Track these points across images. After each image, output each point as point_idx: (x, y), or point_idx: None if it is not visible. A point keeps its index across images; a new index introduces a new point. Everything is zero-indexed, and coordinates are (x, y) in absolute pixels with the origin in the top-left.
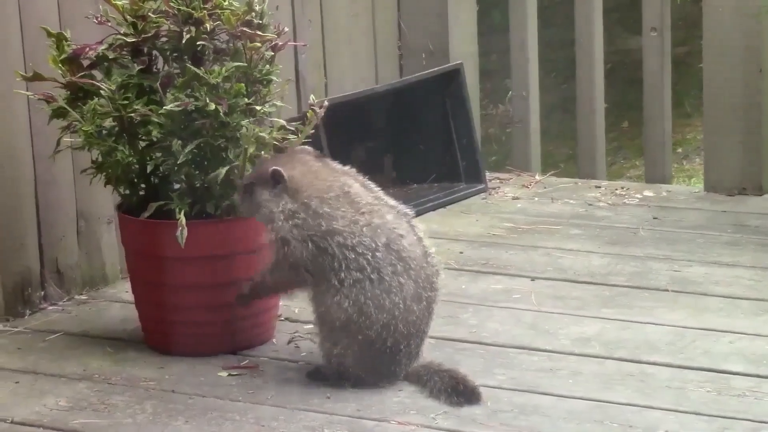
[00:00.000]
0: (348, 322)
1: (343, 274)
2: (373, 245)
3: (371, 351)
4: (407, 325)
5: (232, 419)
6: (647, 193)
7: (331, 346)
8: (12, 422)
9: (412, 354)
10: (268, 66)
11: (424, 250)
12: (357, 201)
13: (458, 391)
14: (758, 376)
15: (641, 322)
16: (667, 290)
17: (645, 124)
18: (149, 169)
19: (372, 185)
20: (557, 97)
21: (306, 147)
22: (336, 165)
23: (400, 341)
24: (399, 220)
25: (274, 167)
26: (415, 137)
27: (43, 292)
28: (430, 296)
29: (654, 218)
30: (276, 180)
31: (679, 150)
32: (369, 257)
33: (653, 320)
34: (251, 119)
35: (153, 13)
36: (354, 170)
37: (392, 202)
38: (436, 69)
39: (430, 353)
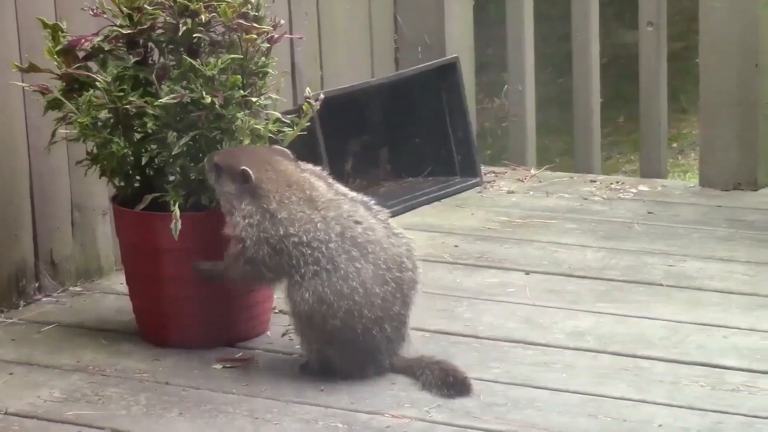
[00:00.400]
0: (312, 313)
1: (303, 270)
2: (326, 237)
3: (343, 339)
4: (373, 308)
5: (225, 412)
6: (642, 187)
7: (308, 341)
8: (6, 413)
9: (393, 338)
10: (263, 58)
11: (386, 233)
12: (315, 199)
13: (449, 384)
14: (752, 370)
15: (636, 317)
16: (662, 285)
17: (641, 119)
18: (144, 161)
19: (337, 185)
20: (553, 92)
21: (284, 150)
22: (308, 168)
23: (370, 326)
24: (355, 207)
25: (244, 167)
26: (411, 131)
27: (37, 284)
28: (398, 276)
29: (649, 213)
30: (243, 179)
31: (675, 145)
32: (323, 249)
33: (648, 314)
34: (247, 111)
35: (149, 5)
36: (324, 172)
37: (353, 194)
38: (432, 62)
39: (425, 346)
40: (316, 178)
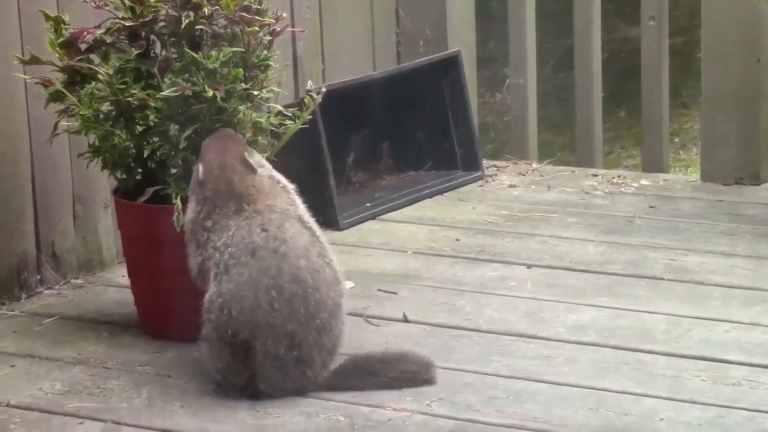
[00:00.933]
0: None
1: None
2: (230, 242)
3: (219, 341)
4: (242, 311)
5: (226, 405)
6: (644, 182)
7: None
8: (8, 405)
9: (280, 357)
10: (265, 51)
11: (304, 251)
12: (245, 209)
13: (412, 369)
14: (754, 365)
15: (637, 311)
16: (663, 279)
17: (642, 113)
18: (146, 153)
19: (284, 196)
20: (554, 87)
21: (260, 161)
22: (265, 174)
23: (241, 330)
24: (282, 221)
25: (200, 164)
26: (413, 124)
27: (39, 276)
28: (296, 293)
29: (651, 207)
30: (197, 169)
31: (676, 140)
32: (226, 253)
33: (649, 309)
34: (249, 105)
35: None
36: (289, 187)
37: (292, 207)
38: (433, 56)
39: (425, 340)
40: (273, 192)
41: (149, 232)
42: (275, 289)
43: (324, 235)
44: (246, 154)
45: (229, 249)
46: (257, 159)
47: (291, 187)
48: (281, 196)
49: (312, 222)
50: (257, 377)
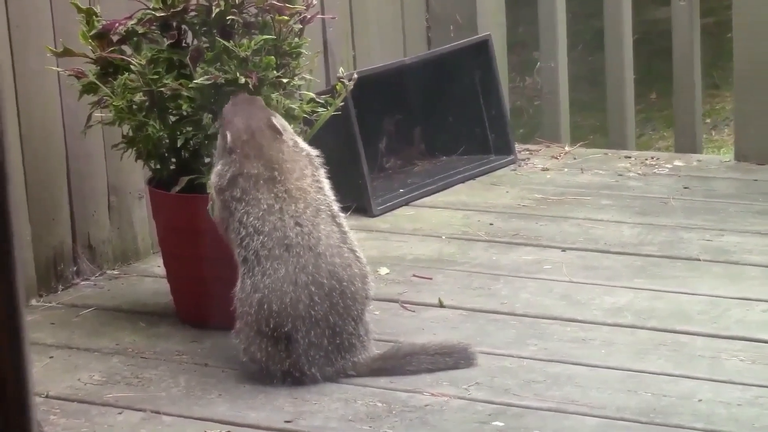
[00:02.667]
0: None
1: (238, 249)
2: (261, 228)
3: (258, 334)
4: (283, 307)
5: (265, 392)
6: (677, 162)
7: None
8: (47, 396)
9: (324, 347)
10: (296, 39)
11: (335, 247)
12: (275, 185)
13: (449, 352)
14: None
15: (674, 292)
16: (699, 259)
17: (674, 94)
18: (180, 143)
19: (318, 184)
20: (584, 69)
21: (276, 123)
22: (301, 148)
23: (282, 324)
24: (315, 216)
25: (227, 131)
26: (444, 109)
27: (75, 267)
28: (334, 285)
29: (685, 188)
30: (224, 136)
31: (707, 121)
32: (254, 238)
33: (686, 290)
34: (281, 92)
35: None
36: (318, 161)
37: (325, 199)
38: (464, 41)
39: (462, 325)
40: (299, 164)
41: (186, 221)
42: (314, 284)
43: (348, 227)
44: (272, 117)
45: (261, 237)
46: (281, 121)
47: (314, 153)
48: (306, 169)
49: (340, 213)
50: (300, 364)
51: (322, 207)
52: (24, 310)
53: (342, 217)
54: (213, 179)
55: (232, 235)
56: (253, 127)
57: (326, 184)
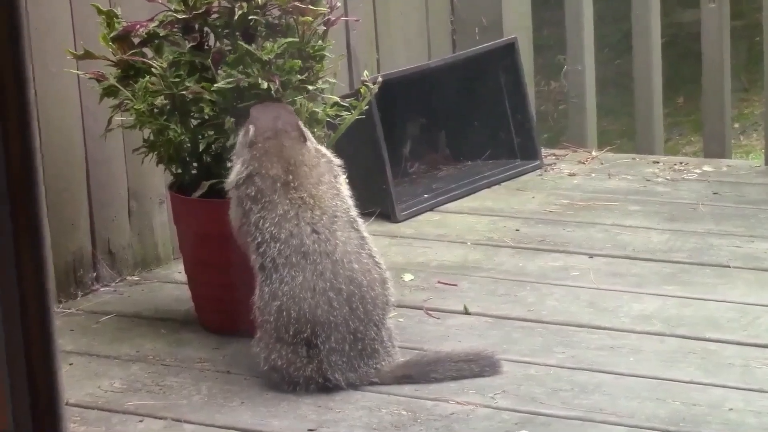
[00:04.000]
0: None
1: (254, 254)
2: (277, 236)
3: (279, 341)
4: (302, 313)
5: (288, 399)
6: (706, 168)
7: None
8: (67, 404)
9: (345, 352)
10: (320, 42)
11: (352, 254)
12: (290, 189)
13: (474, 359)
14: None
15: (703, 299)
16: (729, 266)
17: (703, 98)
18: (201, 147)
19: (336, 187)
20: (611, 73)
21: (303, 129)
22: (322, 154)
23: (302, 330)
24: (332, 222)
25: (251, 126)
26: (469, 114)
27: (95, 273)
28: (353, 291)
29: (714, 193)
30: (246, 131)
31: (736, 125)
32: (271, 245)
33: (715, 297)
34: (304, 95)
35: None
36: (334, 161)
37: (343, 204)
38: (489, 44)
39: (487, 332)
40: (318, 170)
41: (208, 226)
42: (332, 290)
43: (367, 233)
44: (300, 122)
45: (278, 245)
46: (306, 130)
47: (336, 161)
48: (324, 176)
49: (358, 218)
50: (323, 370)
51: (339, 213)
52: (55, 320)
53: (360, 223)
54: (230, 177)
55: (248, 238)
56: (278, 127)
57: (345, 190)
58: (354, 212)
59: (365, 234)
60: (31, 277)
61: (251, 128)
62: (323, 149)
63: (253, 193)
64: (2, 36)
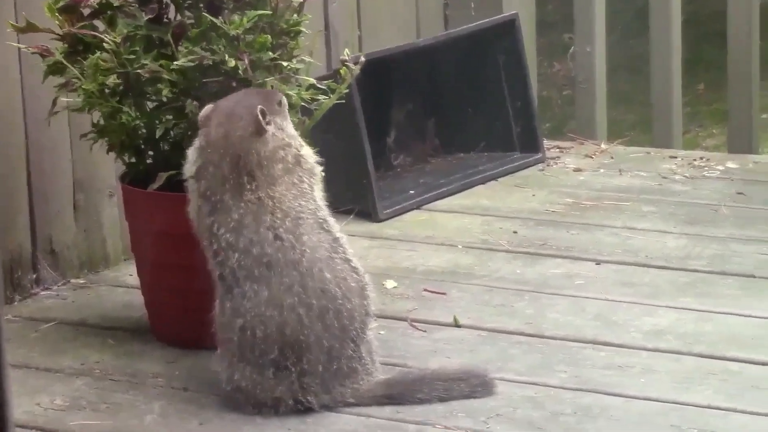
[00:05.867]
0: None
1: (212, 261)
2: (234, 244)
3: (242, 361)
4: (269, 333)
5: (252, 422)
6: (730, 164)
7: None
8: None
9: (319, 374)
10: (295, 16)
11: (325, 261)
12: (245, 194)
13: (466, 378)
14: None
15: (724, 313)
16: (754, 276)
17: (729, 86)
18: (159, 133)
19: (310, 181)
20: (623, 56)
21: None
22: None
23: (268, 351)
24: (296, 225)
25: (204, 115)
26: (463, 99)
27: (35, 275)
28: (326, 306)
29: (738, 194)
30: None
31: (764, 116)
32: (229, 255)
33: (738, 311)
34: (276, 76)
35: None
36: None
37: (312, 204)
38: (487, 20)
39: (480, 347)
40: (277, 167)
41: (165, 223)
42: (302, 306)
43: (344, 234)
44: (261, 108)
45: (236, 255)
46: (279, 121)
47: (305, 152)
48: (287, 176)
49: (329, 217)
50: (293, 392)
51: (304, 215)
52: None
53: (332, 223)
54: (185, 165)
55: (204, 242)
56: (234, 111)
57: (309, 186)
58: (324, 212)
59: (338, 235)
60: None
61: (207, 108)
62: (298, 139)
63: (203, 189)
64: None
